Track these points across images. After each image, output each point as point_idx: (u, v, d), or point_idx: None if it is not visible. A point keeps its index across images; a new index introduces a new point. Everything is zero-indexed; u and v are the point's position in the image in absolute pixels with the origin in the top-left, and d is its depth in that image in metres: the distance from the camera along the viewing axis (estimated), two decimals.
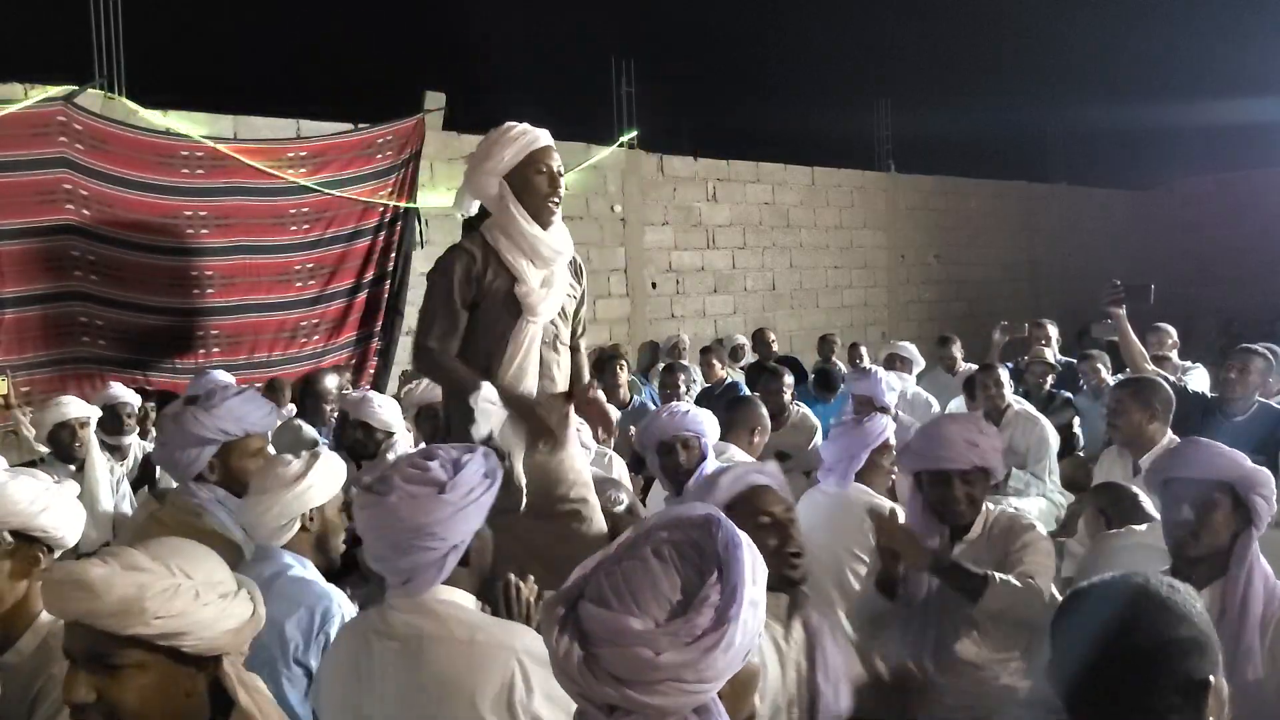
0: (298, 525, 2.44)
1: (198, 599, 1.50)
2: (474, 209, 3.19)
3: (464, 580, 1.97)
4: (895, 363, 6.91)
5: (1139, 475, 3.55)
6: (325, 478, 2.48)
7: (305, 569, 2.42)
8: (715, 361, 7.54)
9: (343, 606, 2.37)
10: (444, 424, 3.18)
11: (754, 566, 1.28)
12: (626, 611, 1.23)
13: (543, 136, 3.09)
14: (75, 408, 4.62)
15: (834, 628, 2.35)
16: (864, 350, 8.47)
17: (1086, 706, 1.42)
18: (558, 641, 1.25)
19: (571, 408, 3.18)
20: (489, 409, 2.89)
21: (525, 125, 3.09)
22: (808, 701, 2.19)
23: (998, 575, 2.64)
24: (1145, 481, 3.00)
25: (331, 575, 2.54)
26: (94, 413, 4.75)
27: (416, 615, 1.90)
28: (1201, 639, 1.40)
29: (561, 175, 3.13)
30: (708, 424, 3.50)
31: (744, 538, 1.31)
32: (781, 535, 2.27)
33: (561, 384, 3.19)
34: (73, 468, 4.50)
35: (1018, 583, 2.63)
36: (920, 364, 7.10)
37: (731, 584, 1.24)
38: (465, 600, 1.96)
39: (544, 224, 3.06)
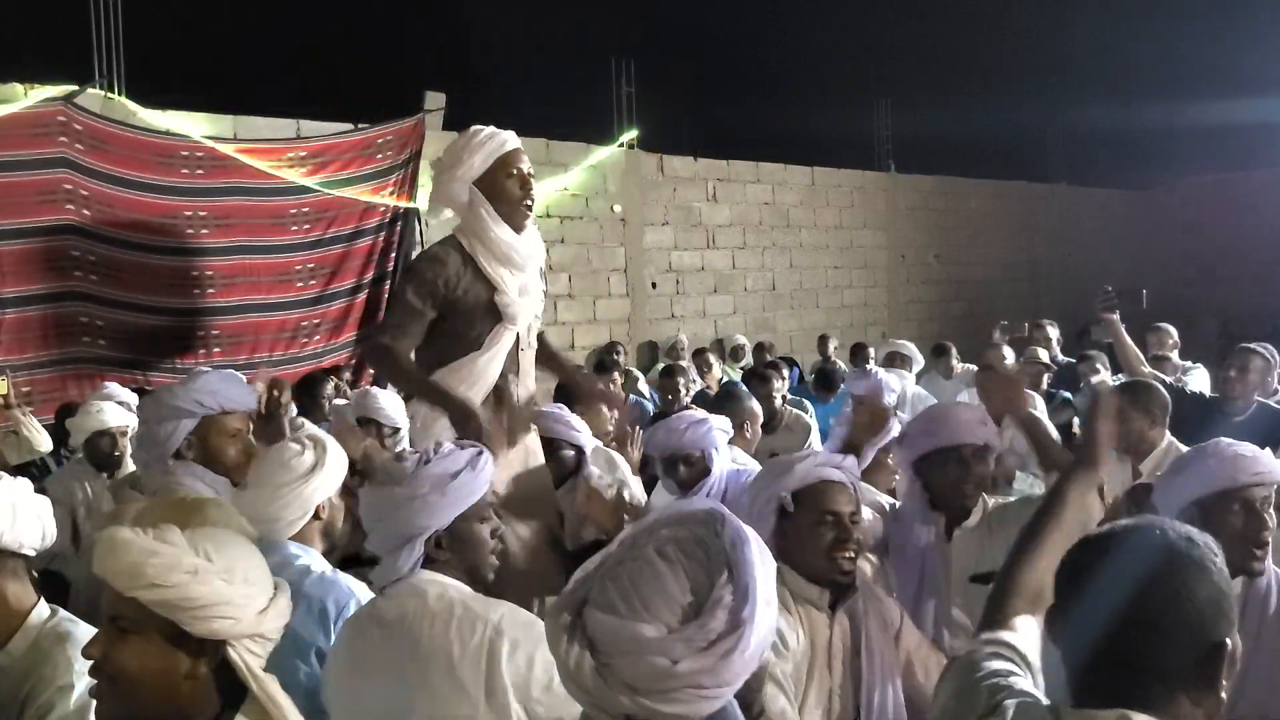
0: (310, 516, 2.41)
1: (197, 576, 1.51)
2: (447, 214, 3.16)
3: (452, 568, 2.05)
4: (895, 360, 6.90)
5: (1136, 480, 3.55)
6: (335, 466, 2.45)
7: (310, 558, 2.39)
8: (710, 363, 7.52)
9: (355, 592, 2.35)
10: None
11: (764, 563, 1.26)
12: (636, 618, 1.19)
13: (511, 139, 3.06)
14: (117, 416, 4.44)
15: (880, 610, 2.34)
16: (871, 351, 8.43)
17: (1096, 669, 1.29)
18: (567, 651, 1.22)
19: (500, 424, 3.09)
20: (429, 417, 2.95)
21: (492, 128, 3.06)
22: (852, 692, 2.19)
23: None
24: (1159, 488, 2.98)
25: (346, 563, 2.55)
26: (131, 420, 4.48)
27: (403, 597, 1.99)
28: (1221, 598, 1.28)
29: (532, 177, 3.10)
30: (717, 436, 3.38)
31: (751, 534, 1.27)
32: (839, 534, 2.25)
33: (529, 379, 3.22)
34: (105, 475, 4.33)
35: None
36: (920, 362, 7.10)
37: (744, 584, 1.21)
38: (453, 583, 2.03)
39: (518, 228, 3.05)
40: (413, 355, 3.09)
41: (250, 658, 1.56)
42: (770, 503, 2.33)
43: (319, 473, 2.38)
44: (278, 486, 2.36)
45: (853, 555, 2.24)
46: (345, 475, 2.51)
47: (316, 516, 2.42)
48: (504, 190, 3.01)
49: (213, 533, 1.64)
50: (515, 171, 3.03)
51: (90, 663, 1.54)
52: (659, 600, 1.20)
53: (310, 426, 2.66)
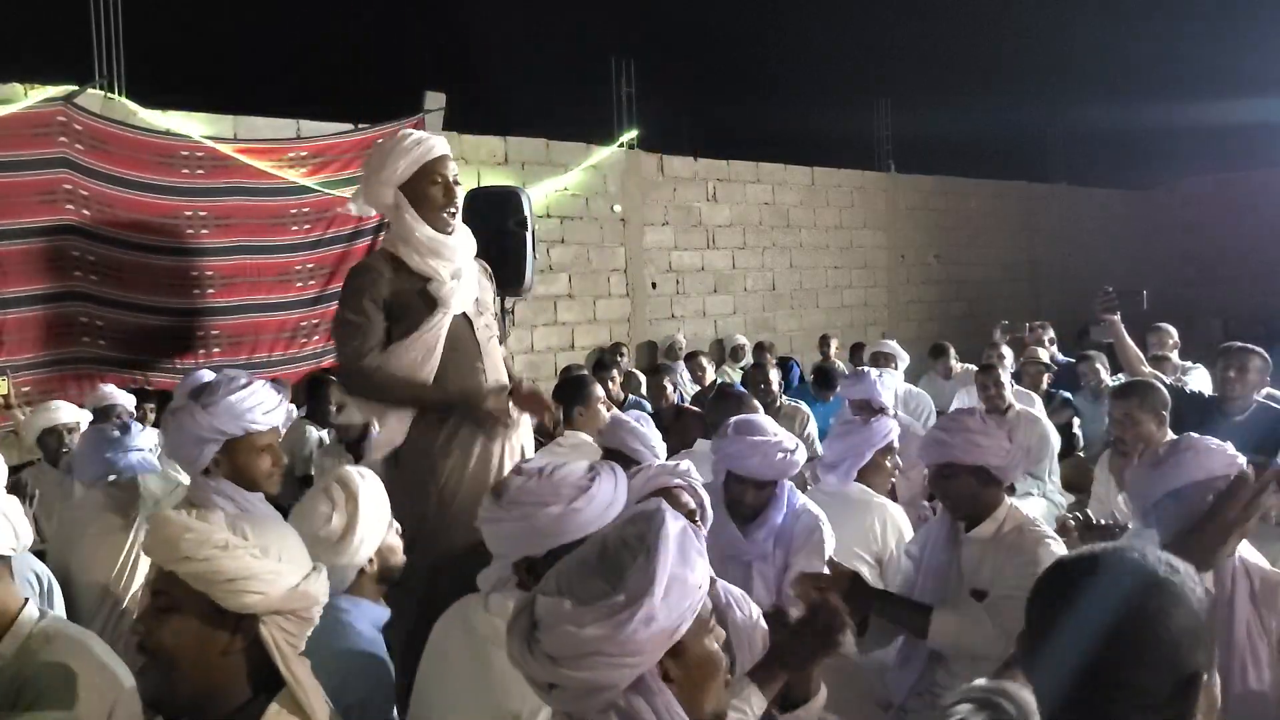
0: (356, 573, 2.25)
1: (227, 551, 1.57)
2: (370, 212, 3.19)
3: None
4: (880, 360, 6.88)
5: None
6: (372, 519, 2.25)
7: (355, 612, 2.22)
8: (704, 366, 7.51)
9: (382, 679, 2.18)
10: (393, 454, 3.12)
11: (684, 549, 1.36)
12: (563, 595, 1.33)
13: (438, 145, 3.05)
14: (65, 413, 4.57)
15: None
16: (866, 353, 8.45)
17: (1072, 698, 1.24)
18: (512, 631, 1.36)
19: (505, 396, 3.09)
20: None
21: (420, 134, 3.06)
22: None
23: (937, 614, 2.59)
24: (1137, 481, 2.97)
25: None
26: (84, 416, 4.69)
27: (496, 615, 1.96)
28: (1198, 627, 1.24)
29: (458, 185, 3.10)
30: (796, 467, 3.06)
31: (676, 526, 1.38)
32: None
33: (500, 370, 3.20)
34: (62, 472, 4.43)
35: (961, 616, 2.58)
36: (905, 359, 7.08)
37: (653, 566, 1.32)
38: None
39: (443, 232, 3.04)
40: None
41: (282, 636, 1.61)
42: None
43: (353, 536, 2.20)
44: (315, 555, 2.13)
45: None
46: (387, 509, 2.33)
47: (363, 571, 2.26)
48: (427, 196, 3.01)
49: (254, 518, 1.73)
50: (440, 179, 3.03)
51: (79, 666, 1.61)
52: (584, 582, 1.34)
53: (346, 469, 2.38)
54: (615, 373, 6.76)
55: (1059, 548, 2.69)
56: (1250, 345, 4.52)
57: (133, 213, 6.42)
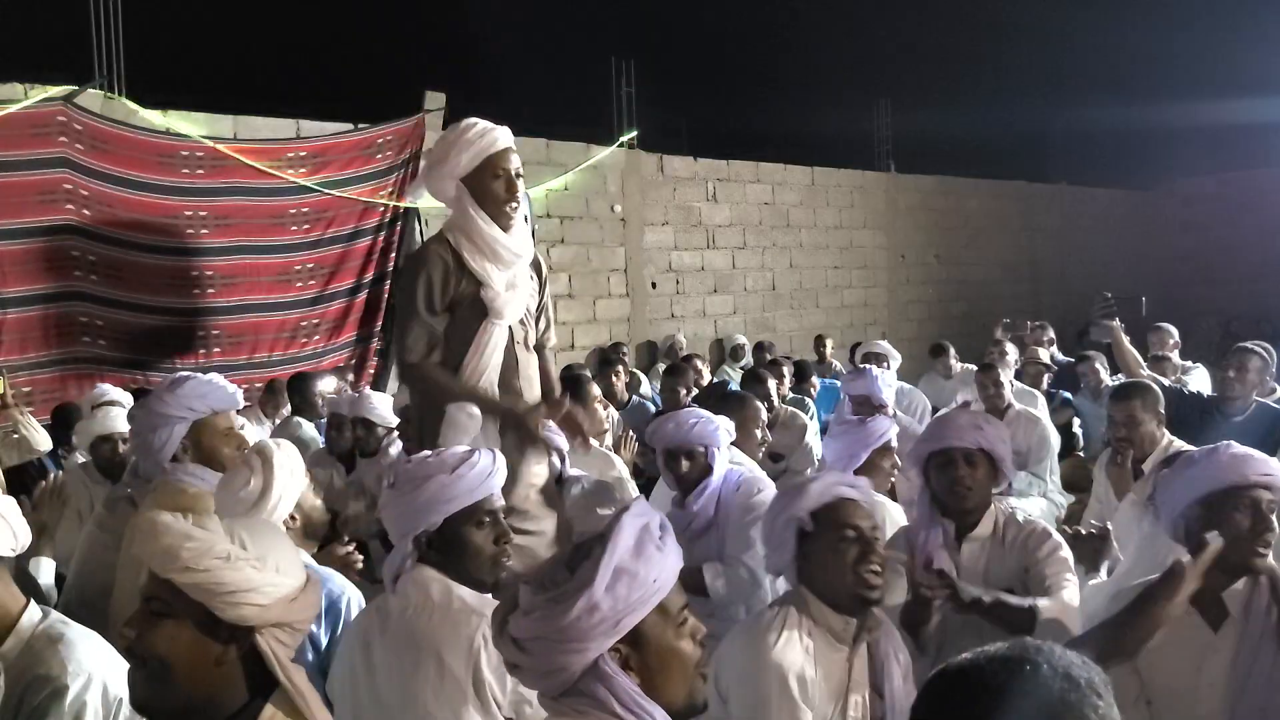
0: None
1: (229, 562, 1.54)
2: (424, 199, 3.20)
3: (447, 569, 2.14)
4: (871, 359, 6.88)
5: (1139, 479, 3.53)
6: (288, 479, 2.48)
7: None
8: (699, 369, 7.46)
9: (346, 589, 2.43)
10: (416, 431, 3.12)
11: (640, 544, 1.44)
12: (531, 584, 1.45)
13: (501, 138, 3.02)
14: (119, 420, 4.32)
15: (897, 649, 2.30)
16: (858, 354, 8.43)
17: None
18: (495, 614, 1.50)
19: (543, 413, 3.07)
20: (464, 422, 2.87)
21: (484, 125, 3.02)
22: None
23: (1041, 604, 2.52)
24: (1143, 486, 2.97)
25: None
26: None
27: (407, 590, 2.11)
28: None
29: (520, 177, 3.07)
30: (722, 436, 3.34)
31: (637, 522, 1.47)
32: (863, 550, 2.23)
33: (534, 383, 3.16)
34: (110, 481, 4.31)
35: (1058, 614, 2.51)
36: (897, 358, 7.08)
37: (600, 558, 1.41)
38: (454, 582, 2.12)
39: (504, 227, 3.01)
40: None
41: (279, 647, 1.59)
42: (789, 526, 2.30)
43: (269, 495, 2.43)
44: (235, 518, 2.35)
45: (878, 570, 2.21)
46: (304, 474, 2.57)
47: (287, 528, 2.46)
48: (489, 190, 2.98)
49: (249, 523, 1.71)
50: (502, 172, 2.99)
51: (83, 666, 1.57)
52: (553, 570, 1.45)
53: (264, 440, 2.66)
54: (620, 369, 6.77)
55: (1058, 536, 2.74)
56: (1248, 345, 4.53)
57: (133, 213, 6.42)
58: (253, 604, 1.55)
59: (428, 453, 2.23)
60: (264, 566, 1.58)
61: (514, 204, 3.02)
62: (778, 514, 2.35)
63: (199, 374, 3.03)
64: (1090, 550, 2.90)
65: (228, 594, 1.53)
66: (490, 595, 2.13)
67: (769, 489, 3.19)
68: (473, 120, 3.04)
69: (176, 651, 1.53)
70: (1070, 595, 2.59)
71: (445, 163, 2.98)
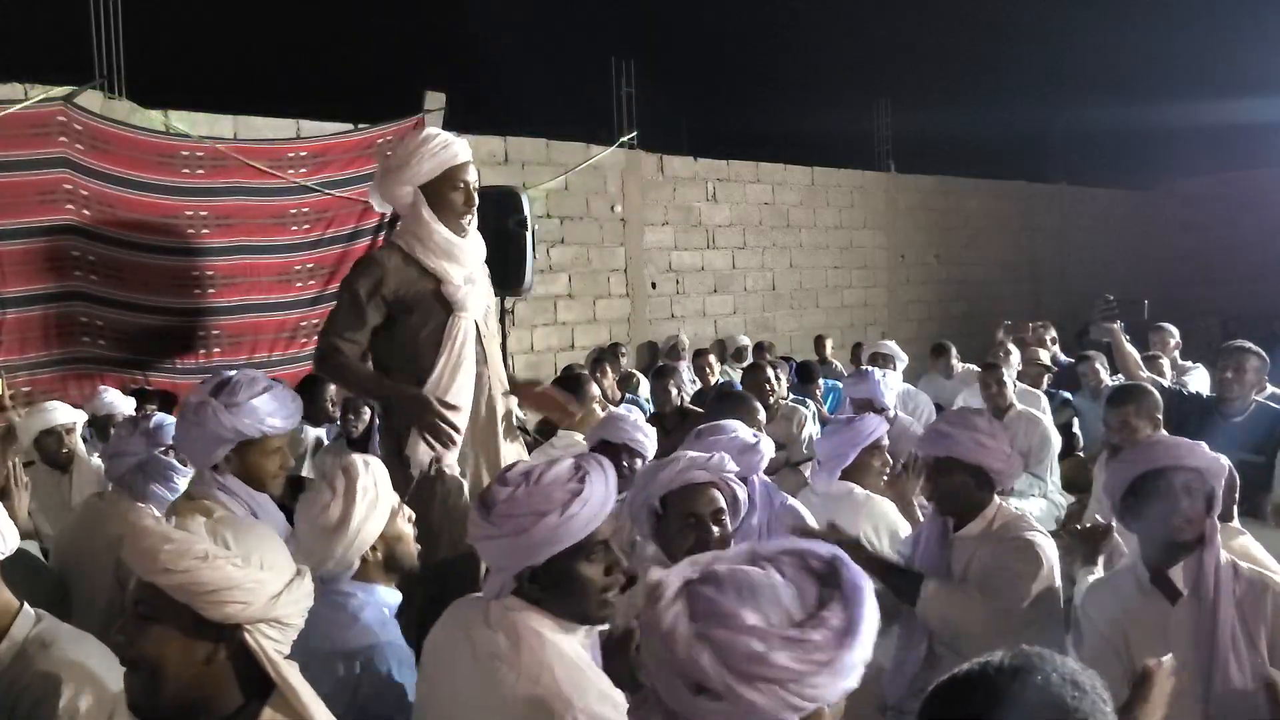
0: (357, 563, 2.25)
1: (207, 561, 1.55)
2: (385, 207, 3.24)
3: (550, 606, 1.88)
4: (877, 361, 6.89)
5: None
6: (373, 508, 2.24)
7: (364, 598, 2.23)
8: (711, 365, 7.50)
9: (388, 658, 2.15)
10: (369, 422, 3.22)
11: (873, 610, 1.26)
12: (745, 606, 1.20)
13: (462, 151, 3.09)
14: (62, 413, 4.59)
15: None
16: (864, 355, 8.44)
17: None
18: (668, 607, 1.21)
19: (465, 418, 3.06)
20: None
21: (446, 136, 3.09)
22: None
23: (930, 584, 2.67)
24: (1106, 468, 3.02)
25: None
26: (80, 416, 4.73)
27: (498, 634, 1.85)
28: None
29: (476, 191, 3.15)
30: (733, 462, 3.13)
31: (867, 581, 1.28)
32: (700, 534, 2.39)
33: (502, 377, 3.24)
34: (59, 472, 4.51)
35: (951, 589, 2.65)
36: (904, 360, 7.08)
37: (855, 614, 1.22)
38: (551, 632, 1.87)
39: (459, 235, 3.10)
40: (368, 361, 3.12)
41: (268, 643, 1.59)
42: (644, 507, 2.51)
43: (349, 524, 2.19)
44: (312, 547, 2.21)
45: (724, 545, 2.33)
46: (390, 499, 2.31)
47: (365, 560, 2.26)
48: (447, 201, 3.07)
49: (237, 522, 1.72)
50: (462, 184, 3.08)
51: (76, 671, 1.59)
52: (769, 602, 1.21)
53: (351, 457, 2.37)
54: (609, 367, 6.75)
55: (1045, 540, 2.74)
56: (1248, 345, 4.52)
57: (133, 213, 6.41)
58: (236, 601, 1.56)
59: (526, 470, 1.92)
60: (247, 564, 1.59)
61: (470, 216, 3.12)
62: (636, 492, 2.52)
63: (261, 381, 2.77)
64: (1089, 545, 2.92)
65: (209, 593, 1.54)
66: (578, 676, 1.84)
67: (809, 519, 3.15)
68: (435, 130, 3.15)
69: (166, 653, 1.55)
70: (1003, 586, 2.63)
71: (406, 169, 3.03)
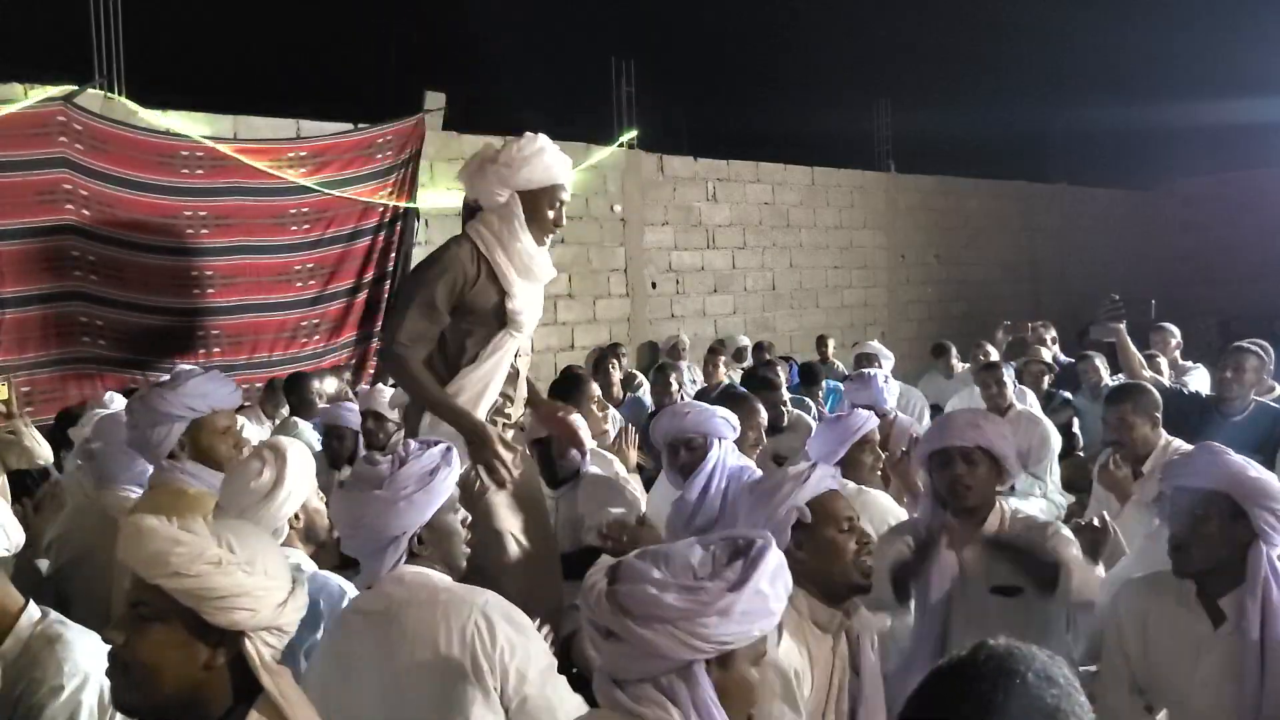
0: (286, 531, 2.46)
1: (220, 567, 1.53)
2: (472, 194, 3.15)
3: (432, 561, 2.11)
4: (863, 362, 6.88)
5: (1139, 481, 3.54)
6: (298, 476, 2.47)
7: (297, 557, 2.43)
8: (719, 363, 7.50)
9: (346, 591, 2.41)
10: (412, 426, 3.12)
11: (777, 575, 1.49)
12: (655, 567, 1.46)
13: (567, 170, 3.08)
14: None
15: (865, 624, 2.36)
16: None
17: None
18: (592, 578, 1.49)
19: (518, 456, 3.03)
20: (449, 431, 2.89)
21: (557, 151, 3.06)
22: (849, 708, 2.23)
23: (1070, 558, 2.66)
24: (1143, 487, 2.99)
25: (341, 565, 2.56)
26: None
27: (385, 588, 2.05)
28: None
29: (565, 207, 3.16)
30: (720, 424, 3.31)
31: (782, 559, 1.52)
32: (860, 537, 2.32)
33: (523, 395, 3.20)
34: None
35: (1084, 571, 2.65)
36: (890, 359, 7.07)
37: (751, 572, 1.44)
38: (434, 573, 2.09)
39: (538, 244, 3.09)
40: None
41: (264, 649, 1.58)
42: (789, 516, 2.28)
43: (281, 489, 2.41)
44: (243, 509, 2.38)
45: (870, 555, 2.31)
46: (312, 475, 2.55)
47: (291, 527, 2.47)
48: (541, 214, 3.04)
49: (235, 525, 1.71)
50: (559, 202, 3.08)
51: (80, 666, 1.56)
52: (678, 563, 1.47)
53: (278, 437, 2.70)
54: (614, 363, 6.75)
55: (1068, 533, 2.76)
56: (1244, 344, 4.52)
57: (133, 213, 6.42)
58: (245, 609, 1.54)
59: (398, 453, 2.15)
60: (254, 570, 1.56)
61: (553, 233, 3.12)
62: (778, 504, 2.31)
63: (199, 370, 3.04)
64: (1089, 542, 2.91)
65: (219, 599, 1.52)
66: (472, 586, 2.12)
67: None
68: (549, 141, 3.07)
69: (164, 655, 1.52)
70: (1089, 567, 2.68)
71: (513, 172, 2.98)
